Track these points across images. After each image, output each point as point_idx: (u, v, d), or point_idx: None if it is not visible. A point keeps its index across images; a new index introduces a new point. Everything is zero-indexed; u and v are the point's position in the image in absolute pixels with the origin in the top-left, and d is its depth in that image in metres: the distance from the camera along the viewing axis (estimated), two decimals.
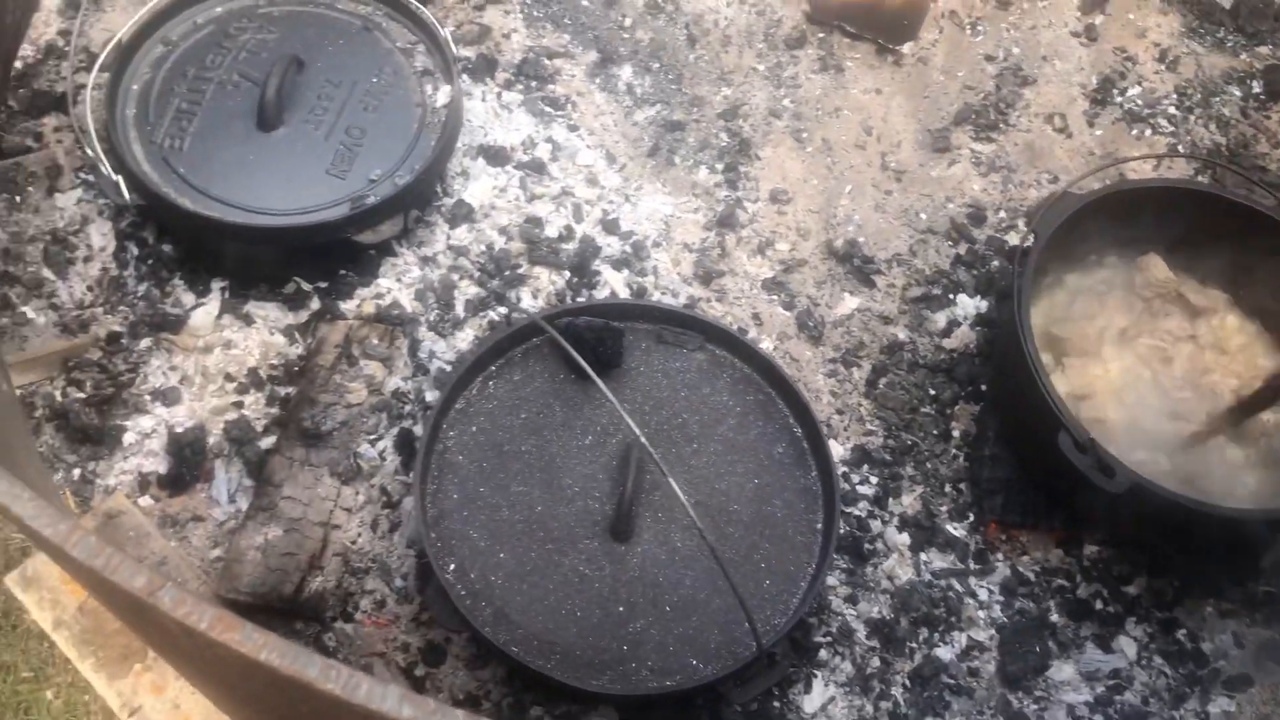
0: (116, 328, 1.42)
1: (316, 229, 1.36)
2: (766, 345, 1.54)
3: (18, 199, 1.47)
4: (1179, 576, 1.39)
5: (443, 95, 1.51)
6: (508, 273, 1.52)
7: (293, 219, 1.36)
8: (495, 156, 1.61)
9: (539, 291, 1.52)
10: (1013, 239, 1.66)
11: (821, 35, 1.83)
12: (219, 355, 1.42)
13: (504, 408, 1.29)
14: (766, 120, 1.75)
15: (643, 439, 1.10)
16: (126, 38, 1.45)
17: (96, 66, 1.46)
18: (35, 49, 1.64)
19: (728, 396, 1.32)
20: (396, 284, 1.48)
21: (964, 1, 1.88)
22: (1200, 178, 1.73)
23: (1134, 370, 1.40)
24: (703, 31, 1.82)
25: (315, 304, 1.45)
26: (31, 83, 1.61)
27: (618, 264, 1.57)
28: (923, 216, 1.69)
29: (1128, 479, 1.22)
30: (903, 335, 1.57)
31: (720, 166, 1.70)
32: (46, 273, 1.43)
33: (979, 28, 1.87)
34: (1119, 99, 1.81)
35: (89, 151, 1.39)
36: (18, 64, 1.62)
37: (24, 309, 1.41)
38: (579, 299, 1.52)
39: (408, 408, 1.39)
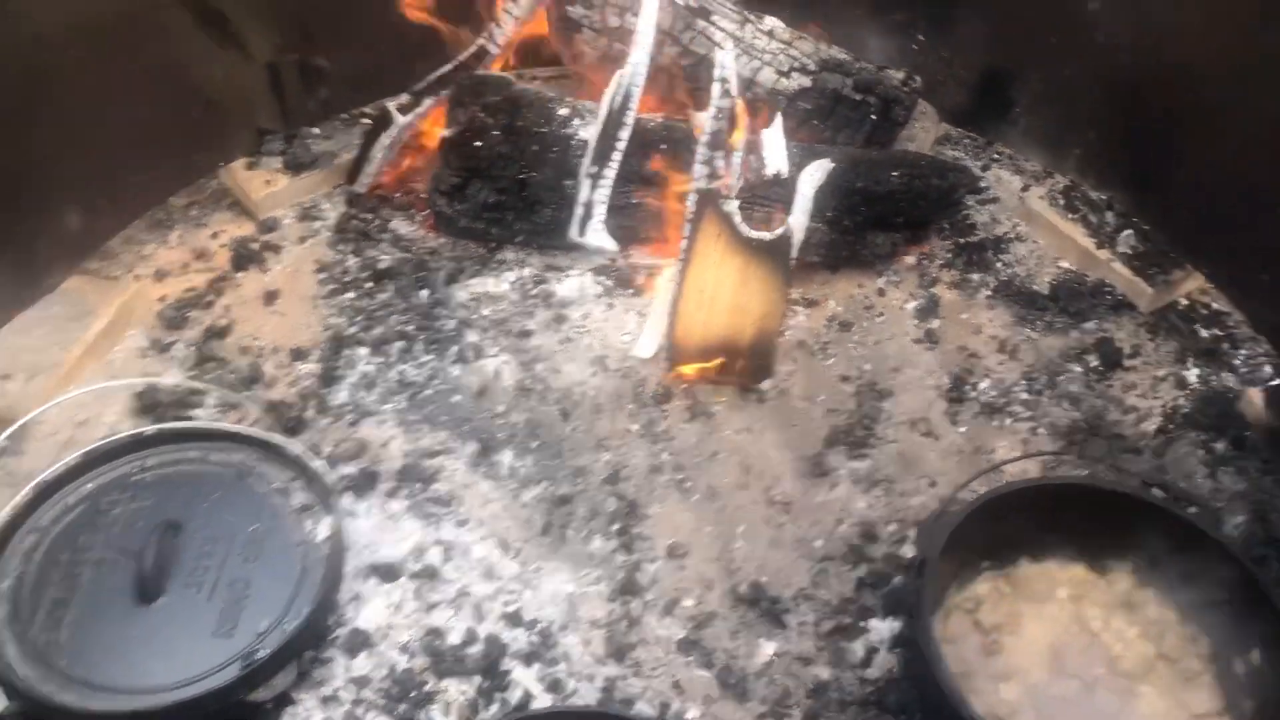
0: None
1: (206, 698, 1.31)
2: (694, 714, 1.50)
3: None
4: None
5: (324, 528, 1.51)
6: (414, 694, 1.47)
7: (180, 693, 1.31)
8: (387, 573, 1.60)
9: (450, 705, 1.47)
10: (908, 551, 1.68)
11: (685, 386, 1.91)
12: None
13: None
14: (649, 478, 1.79)
15: None
16: None
17: None
18: None
19: None
20: None
21: (809, 330, 2.01)
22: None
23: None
24: (574, 404, 1.88)
25: None
26: None
27: (528, 658, 1.53)
28: (818, 544, 1.71)
29: None
30: (825, 674, 1.55)
31: (614, 531, 1.71)
32: None
33: (829, 351, 1.98)
34: (973, 394, 1.91)
35: None
36: None
37: None
38: (492, 706, 1.47)
39: None
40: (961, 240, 2.15)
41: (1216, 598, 1.45)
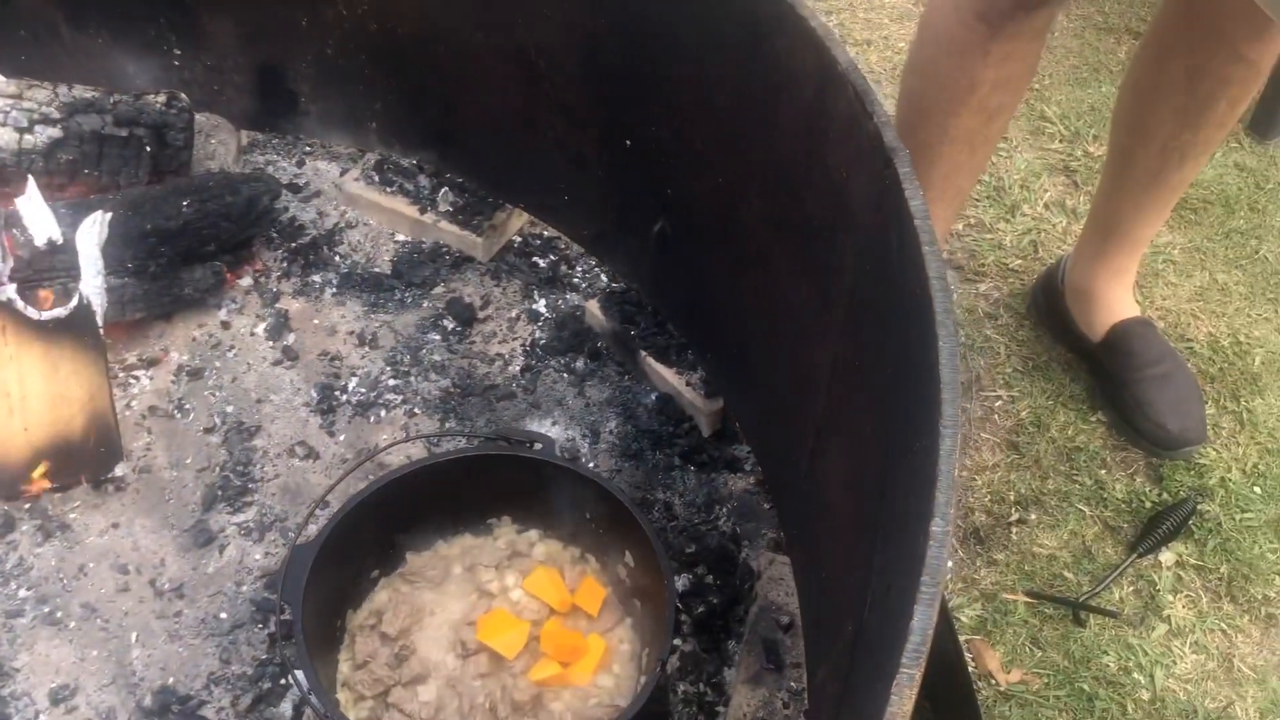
0: None
1: None
2: None
3: None
4: None
5: None
6: None
7: None
8: None
9: None
10: None
11: (28, 505, 1.68)
12: None
13: None
14: (7, 626, 1.55)
15: None
16: None
17: None
18: None
19: None
20: None
21: (158, 392, 1.84)
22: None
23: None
24: None
25: None
26: None
27: None
28: (223, 617, 1.58)
29: None
30: None
31: None
32: None
33: (186, 407, 1.82)
34: (344, 398, 1.85)
35: None
36: None
37: None
38: None
39: None
40: (293, 245, 2.06)
41: (584, 517, 1.52)
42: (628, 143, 1.75)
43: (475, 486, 1.54)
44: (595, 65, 1.76)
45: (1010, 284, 2.27)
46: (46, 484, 1.68)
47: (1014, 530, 1.87)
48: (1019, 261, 2.31)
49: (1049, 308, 2.15)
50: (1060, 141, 2.58)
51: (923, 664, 0.77)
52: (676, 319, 1.92)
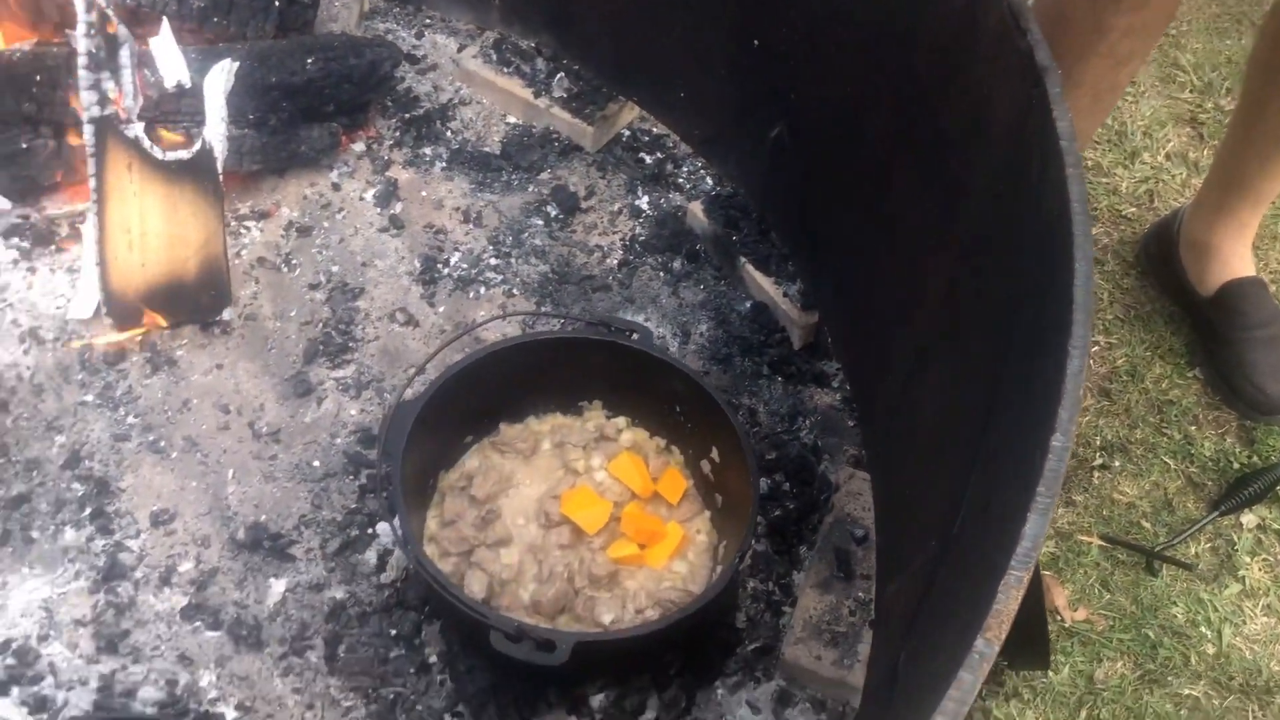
0: None
1: None
2: (208, 680, 1.41)
3: None
4: (681, 682, 1.44)
5: None
6: None
7: None
8: None
9: None
10: None
11: (140, 338, 1.74)
12: None
13: None
14: (116, 448, 1.62)
15: None
16: None
17: None
18: None
19: None
20: None
21: (267, 244, 1.88)
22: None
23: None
24: (10, 392, 1.65)
25: None
26: None
27: (3, 686, 1.36)
28: (316, 465, 1.64)
29: (569, 644, 1.23)
30: (341, 594, 1.51)
31: (86, 518, 1.55)
32: None
33: (293, 261, 1.87)
34: (446, 271, 1.88)
35: None
36: None
37: None
38: None
39: None
40: (407, 115, 2.08)
41: (674, 409, 1.54)
42: (756, 43, 1.73)
43: (570, 368, 1.57)
44: None
45: (1121, 231, 2.21)
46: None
47: (1096, 475, 1.86)
48: (1132, 209, 2.26)
49: (1160, 257, 2.10)
50: (1190, 91, 2.49)
51: (1031, 569, 0.78)
52: (781, 228, 1.91)
